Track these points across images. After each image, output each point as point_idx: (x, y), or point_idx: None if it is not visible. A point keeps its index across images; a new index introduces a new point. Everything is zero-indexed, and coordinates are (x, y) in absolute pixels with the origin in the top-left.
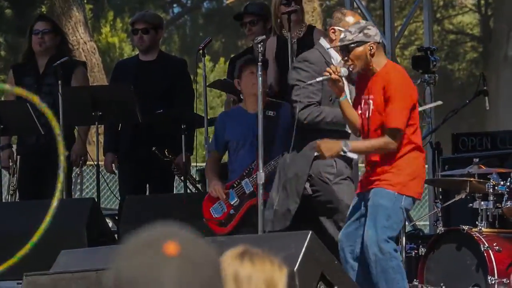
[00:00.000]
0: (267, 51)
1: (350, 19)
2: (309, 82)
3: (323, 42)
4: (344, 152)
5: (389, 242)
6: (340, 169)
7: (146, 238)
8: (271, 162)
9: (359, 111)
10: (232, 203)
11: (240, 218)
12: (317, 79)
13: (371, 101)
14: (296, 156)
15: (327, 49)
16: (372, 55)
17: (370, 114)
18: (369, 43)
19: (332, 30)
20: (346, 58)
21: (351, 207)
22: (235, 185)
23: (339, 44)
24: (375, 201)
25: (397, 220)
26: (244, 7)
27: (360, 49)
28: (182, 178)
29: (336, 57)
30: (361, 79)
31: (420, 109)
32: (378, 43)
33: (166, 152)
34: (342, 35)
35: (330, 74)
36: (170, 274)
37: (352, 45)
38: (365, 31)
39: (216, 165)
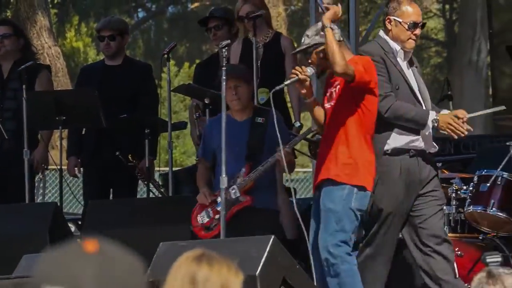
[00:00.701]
0: (231, 55)
1: (406, 8)
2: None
3: (382, 33)
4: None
5: (341, 246)
6: None
7: (66, 246)
8: (258, 167)
9: (326, 104)
10: (218, 209)
11: (226, 223)
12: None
13: (336, 89)
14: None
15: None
16: None
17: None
18: None
19: (388, 20)
20: (309, 60)
21: (313, 206)
22: None
23: (297, 50)
24: (325, 205)
25: (348, 222)
26: (209, 12)
27: (320, 50)
28: (145, 182)
29: (395, 47)
30: (330, 74)
31: (481, 113)
32: (339, 41)
33: (129, 157)
34: (302, 40)
35: (297, 75)
36: (89, 271)
37: (310, 48)
38: (322, 32)
39: (206, 172)
